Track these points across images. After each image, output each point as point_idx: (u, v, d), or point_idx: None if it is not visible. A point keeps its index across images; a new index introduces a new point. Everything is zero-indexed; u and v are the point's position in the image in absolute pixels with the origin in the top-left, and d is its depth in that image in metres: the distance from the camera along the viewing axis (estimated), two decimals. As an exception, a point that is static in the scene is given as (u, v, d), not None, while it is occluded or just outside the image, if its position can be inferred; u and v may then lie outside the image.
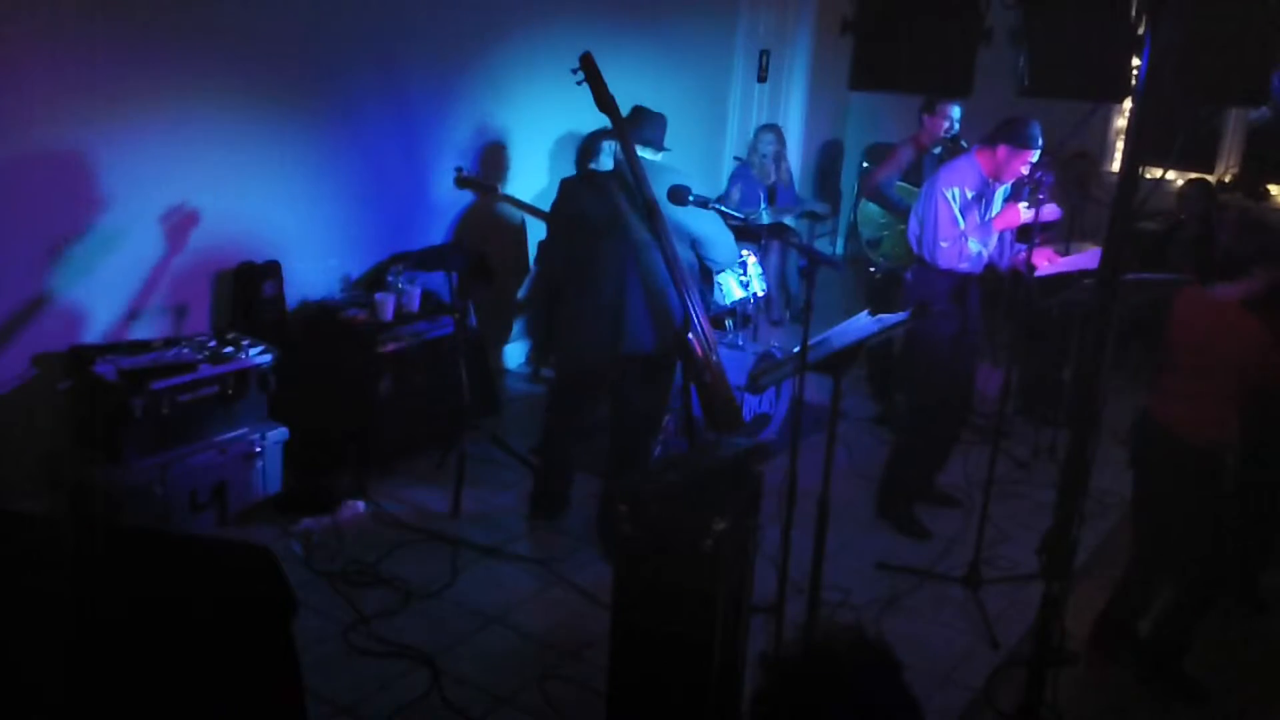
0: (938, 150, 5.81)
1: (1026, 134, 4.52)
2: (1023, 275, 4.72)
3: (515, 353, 6.63)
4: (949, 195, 4.57)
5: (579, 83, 4.22)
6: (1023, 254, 4.71)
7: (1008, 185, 4.80)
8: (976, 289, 4.80)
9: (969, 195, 4.60)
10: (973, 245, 4.61)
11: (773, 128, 7.31)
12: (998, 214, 4.74)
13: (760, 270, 5.77)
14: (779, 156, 7.29)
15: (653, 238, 4.26)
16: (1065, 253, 5.87)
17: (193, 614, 2.57)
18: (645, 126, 4.43)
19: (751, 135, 8.18)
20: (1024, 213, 4.74)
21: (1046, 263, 4.82)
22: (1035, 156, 4.57)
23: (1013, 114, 4.52)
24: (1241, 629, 4.35)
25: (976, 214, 4.65)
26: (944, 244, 4.58)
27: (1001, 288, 5.24)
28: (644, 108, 4.47)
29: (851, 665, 1.76)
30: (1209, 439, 3.69)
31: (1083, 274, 5.03)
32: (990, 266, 4.84)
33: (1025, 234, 4.85)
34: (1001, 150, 4.56)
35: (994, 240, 4.74)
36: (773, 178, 7.25)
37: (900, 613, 4.28)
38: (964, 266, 4.64)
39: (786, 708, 1.75)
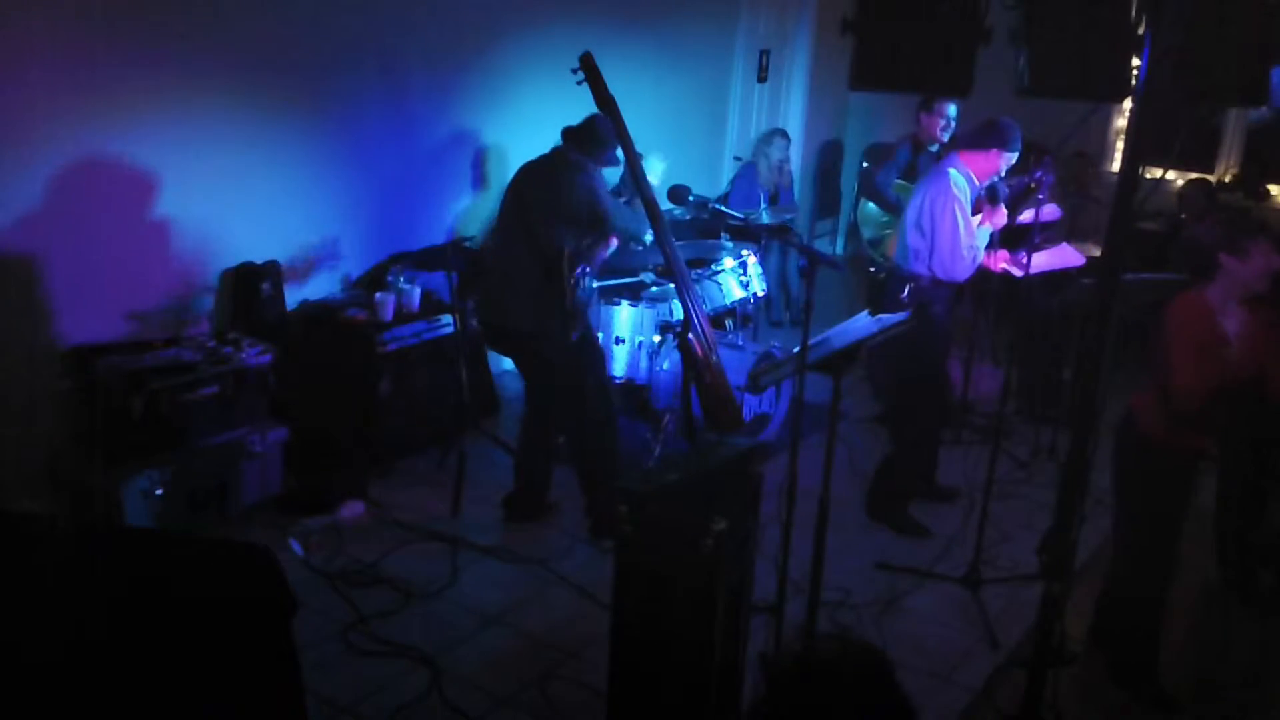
0: (934, 148, 5.81)
1: (1016, 137, 4.54)
2: (1016, 277, 4.73)
3: (515, 353, 6.62)
4: (964, 199, 4.50)
5: (579, 83, 4.23)
6: (1020, 257, 4.71)
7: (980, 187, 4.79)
8: (969, 291, 4.79)
9: (969, 201, 4.59)
10: (980, 252, 4.60)
11: (783, 133, 7.35)
12: (985, 216, 4.72)
13: (760, 270, 5.77)
14: (785, 162, 7.33)
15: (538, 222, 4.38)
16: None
17: (192, 614, 2.58)
18: (591, 141, 4.44)
19: (754, 136, 8.21)
20: (1006, 213, 4.74)
21: (1004, 264, 4.83)
22: (1015, 159, 4.60)
23: (1013, 114, 4.52)
24: (1241, 629, 4.36)
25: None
26: (966, 254, 4.52)
27: (990, 288, 5.23)
28: (593, 118, 4.43)
29: (848, 673, 1.76)
30: (1170, 442, 3.63)
31: (1081, 273, 5.04)
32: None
33: (1025, 234, 4.86)
34: (994, 153, 4.55)
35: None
36: (776, 182, 7.28)
37: (900, 613, 4.28)
38: (972, 272, 4.64)
39: (784, 716, 1.75)
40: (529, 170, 4.54)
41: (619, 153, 4.41)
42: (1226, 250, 3.50)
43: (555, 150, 4.49)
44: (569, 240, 4.35)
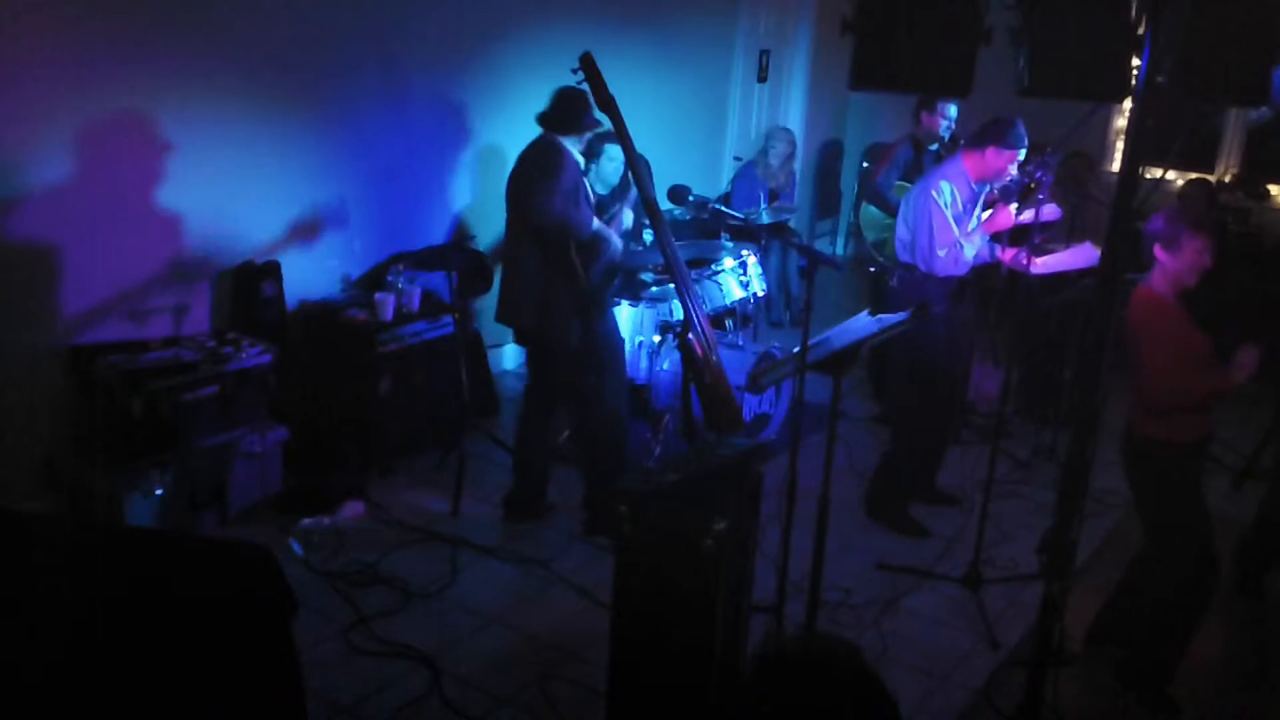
0: (934, 147, 5.81)
1: (1015, 134, 4.51)
2: (1020, 275, 4.72)
3: (515, 353, 6.62)
4: (941, 203, 4.54)
5: (579, 83, 4.23)
6: (1020, 255, 4.70)
7: (990, 186, 4.78)
8: (972, 290, 4.79)
9: (960, 201, 4.59)
10: (968, 251, 4.60)
11: (786, 132, 7.37)
12: (989, 217, 4.71)
13: (760, 270, 5.77)
14: (788, 160, 7.35)
15: (517, 217, 4.41)
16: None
17: (192, 614, 2.57)
18: (557, 115, 4.42)
19: (754, 136, 8.22)
20: (1014, 213, 4.72)
21: (1012, 260, 4.81)
22: (1022, 155, 4.57)
23: (1013, 114, 4.52)
24: (1245, 629, 4.36)
25: (968, 218, 4.64)
26: (941, 252, 4.54)
27: (995, 286, 5.22)
28: (556, 92, 4.43)
29: (824, 666, 1.76)
30: (1161, 434, 3.65)
31: (1081, 274, 5.03)
32: (979, 267, 4.79)
33: (1025, 234, 4.85)
34: (990, 152, 4.54)
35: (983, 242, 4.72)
36: (778, 180, 7.29)
37: (900, 613, 4.28)
38: (961, 271, 4.64)
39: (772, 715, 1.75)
40: (516, 161, 4.54)
41: (594, 115, 4.37)
42: (1161, 243, 3.57)
43: (537, 137, 4.49)
44: (555, 211, 4.25)
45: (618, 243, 4.55)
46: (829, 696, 1.74)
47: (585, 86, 4.28)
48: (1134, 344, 3.64)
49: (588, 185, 4.49)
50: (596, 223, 4.42)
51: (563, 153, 4.38)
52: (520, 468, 4.81)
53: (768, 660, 1.80)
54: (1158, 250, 3.59)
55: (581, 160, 4.49)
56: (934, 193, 4.54)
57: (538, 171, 4.33)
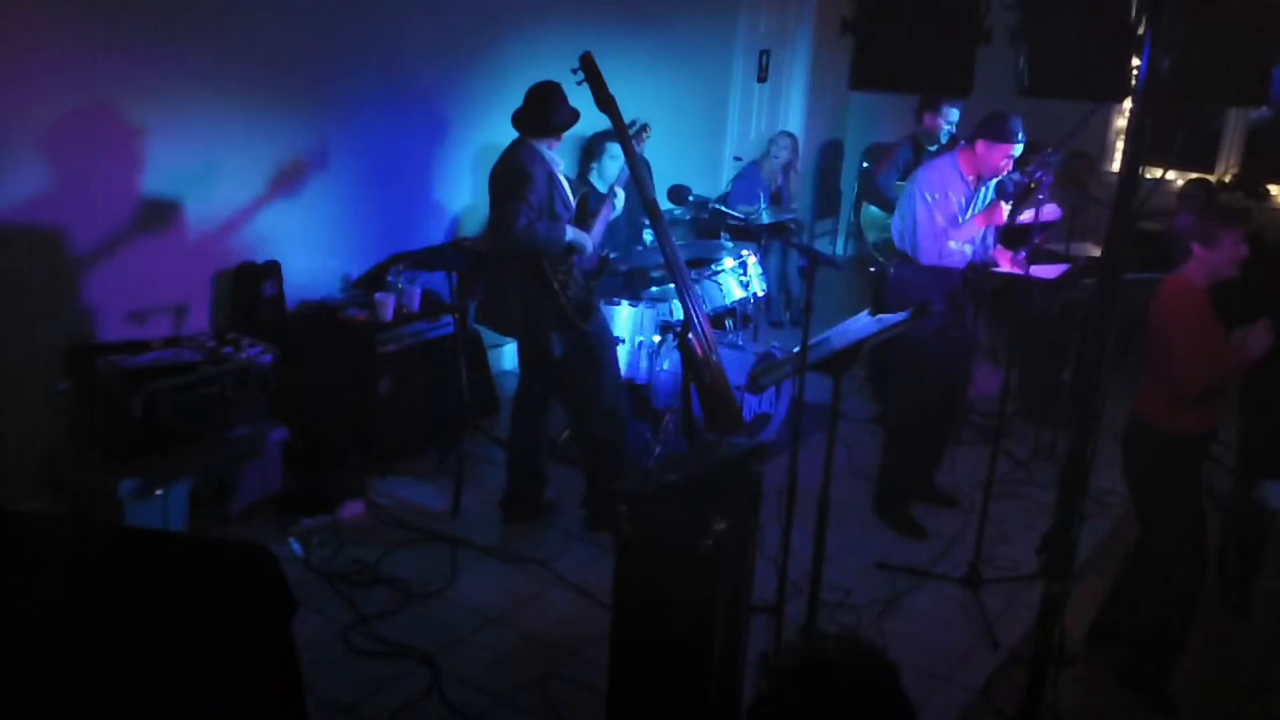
0: (933, 148, 5.81)
1: (1004, 128, 4.51)
2: (1020, 275, 4.71)
3: (514, 353, 6.62)
4: (928, 195, 4.58)
5: (579, 83, 4.23)
6: (1019, 258, 4.71)
7: (991, 183, 4.77)
8: (970, 288, 4.79)
9: (951, 197, 4.59)
10: (953, 244, 4.61)
11: (789, 136, 7.40)
12: (983, 211, 4.72)
13: (760, 270, 5.77)
14: (790, 164, 7.36)
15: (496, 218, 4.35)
16: (1066, 252, 5.88)
17: (192, 614, 2.57)
18: (524, 117, 4.35)
19: (754, 136, 8.23)
20: (1007, 211, 4.72)
21: (1008, 265, 4.82)
22: (1017, 150, 4.56)
23: (1012, 114, 4.51)
24: (1241, 625, 4.36)
25: (959, 214, 4.64)
26: (925, 242, 4.60)
27: (987, 285, 5.22)
28: (527, 93, 4.36)
29: (848, 672, 1.76)
30: (1175, 428, 3.66)
31: (1081, 273, 5.03)
32: (975, 265, 4.79)
33: (1025, 234, 4.85)
34: (980, 146, 4.56)
35: (976, 237, 4.72)
36: (780, 182, 7.31)
37: (900, 613, 4.28)
38: (947, 263, 4.64)
39: (784, 714, 1.75)
40: (493, 168, 4.47)
41: (566, 114, 4.31)
42: (1197, 239, 3.62)
43: (513, 141, 4.42)
44: (519, 236, 4.19)
45: (589, 247, 4.45)
46: (846, 701, 1.74)
47: (585, 86, 4.26)
48: (1161, 336, 3.64)
49: (566, 189, 4.41)
50: (570, 233, 4.32)
51: (533, 162, 4.26)
52: (514, 468, 4.80)
53: (794, 662, 1.80)
54: (1195, 246, 3.62)
55: (560, 161, 4.43)
56: (922, 185, 4.62)
57: (505, 189, 4.26)
